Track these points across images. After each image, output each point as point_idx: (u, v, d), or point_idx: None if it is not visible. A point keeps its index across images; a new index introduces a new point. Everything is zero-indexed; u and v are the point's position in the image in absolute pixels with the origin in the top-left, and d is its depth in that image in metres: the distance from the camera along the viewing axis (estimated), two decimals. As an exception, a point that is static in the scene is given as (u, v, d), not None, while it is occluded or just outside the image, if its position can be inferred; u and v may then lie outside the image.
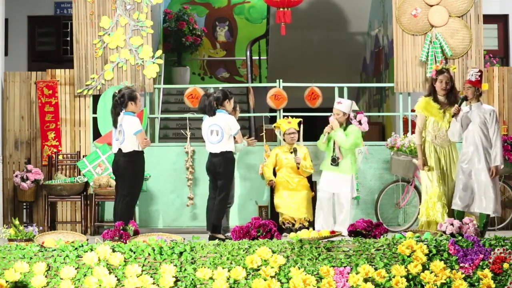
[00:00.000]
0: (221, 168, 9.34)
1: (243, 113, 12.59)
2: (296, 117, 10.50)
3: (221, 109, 9.39)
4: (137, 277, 7.44)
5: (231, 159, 9.42)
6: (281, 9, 11.19)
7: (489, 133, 8.81)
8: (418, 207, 10.52)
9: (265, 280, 7.37)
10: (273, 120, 11.55)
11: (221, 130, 9.32)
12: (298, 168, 10.20)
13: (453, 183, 8.98)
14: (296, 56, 15.44)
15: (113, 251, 7.59)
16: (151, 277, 7.47)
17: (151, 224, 10.73)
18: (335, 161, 9.78)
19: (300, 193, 10.12)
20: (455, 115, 8.86)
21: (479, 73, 8.88)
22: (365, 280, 7.35)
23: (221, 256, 7.56)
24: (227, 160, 9.36)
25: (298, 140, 10.43)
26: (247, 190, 10.73)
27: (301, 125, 10.40)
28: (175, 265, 7.51)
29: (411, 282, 7.39)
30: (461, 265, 7.50)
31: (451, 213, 8.88)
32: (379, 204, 10.47)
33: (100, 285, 7.42)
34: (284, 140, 10.34)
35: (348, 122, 9.90)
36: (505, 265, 7.47)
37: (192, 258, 7.57)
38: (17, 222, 8.25)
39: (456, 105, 8.86)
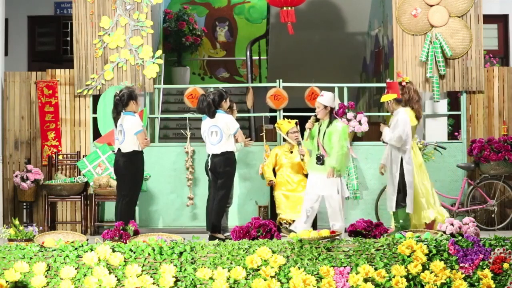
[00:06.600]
0: (221, 168, 9.34)
1: (243, 113, 12.59)
2: (296, 117, 10.52)
3: (219, 109, 9.42)
4: (137, 277, 7.44)
5: (232, 159, 9.41)
6: (285, 9, 11.15)
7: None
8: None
9: (265, 280, 7.37)
10: (273, 120, 11.55)
11: (220, 131, 9.33)
12: (302, 159, 10.16)
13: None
14: (296, 56, 15.42)
15: (113, 251, 7.59)
16: (151, 277, 7.47)
17: (151, 224, 10.74)
18: (320, 160, 9.15)
19: (301, 194, 10.08)
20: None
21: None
22: (365, 280, 7.35)
23: (221, 256, 7.56)
24: (228, 160, 9.36)
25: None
26: (247, 190, 10.73)
27: (298, 126, 10.36)
28: (175, 265, 7.51)
29: (411, 282, 7.39)
30: (461, 265, 7.50)
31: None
32: (379, 204, 10.47)
33: (100, 285, 7.42)
34: (285, 140, 10.33)
35: (332, 117, 9.22)
36: (505, 265, 7.47)
37: (192, 258, 7.57)
38: (17, 222, 8.24)
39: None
